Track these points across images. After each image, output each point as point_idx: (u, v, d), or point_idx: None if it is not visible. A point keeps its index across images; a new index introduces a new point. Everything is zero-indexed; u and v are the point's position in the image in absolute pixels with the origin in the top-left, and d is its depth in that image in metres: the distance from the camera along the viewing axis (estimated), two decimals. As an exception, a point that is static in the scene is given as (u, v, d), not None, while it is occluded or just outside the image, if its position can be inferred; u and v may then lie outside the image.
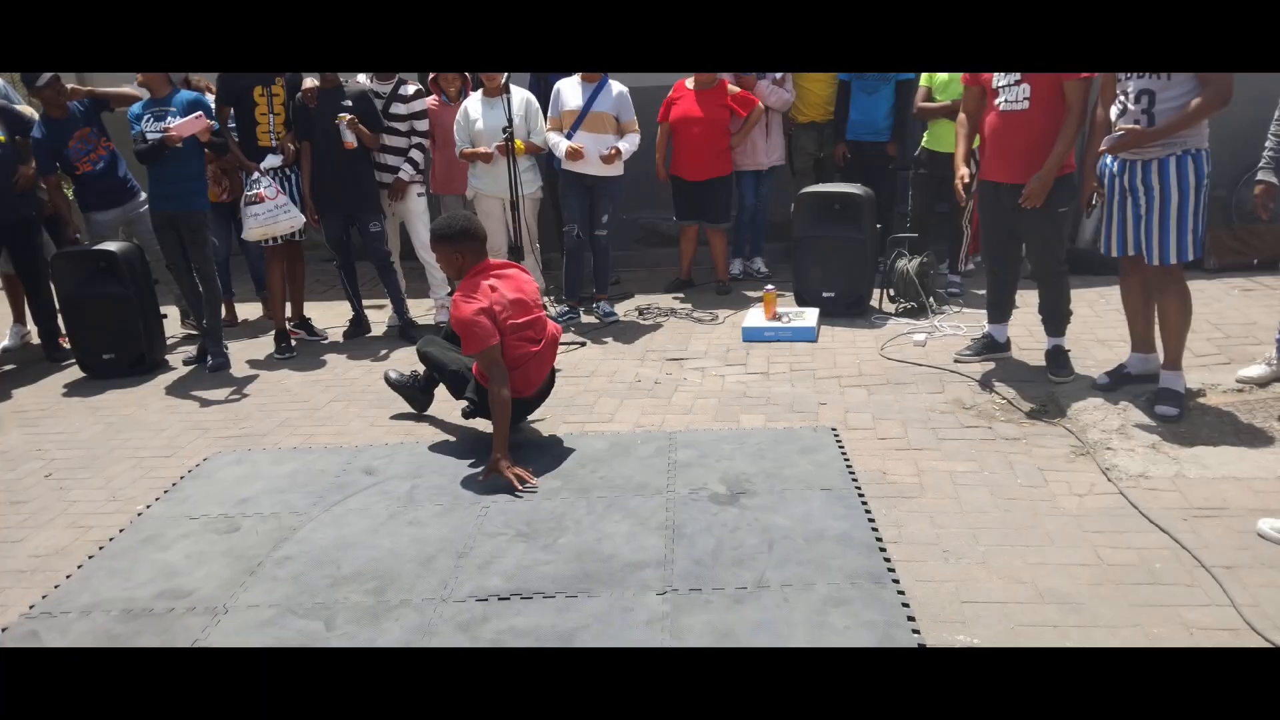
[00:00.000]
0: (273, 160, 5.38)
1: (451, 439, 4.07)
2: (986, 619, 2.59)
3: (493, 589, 2.85)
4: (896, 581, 2.76)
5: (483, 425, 4.00)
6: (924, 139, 5.83)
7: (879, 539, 3.00)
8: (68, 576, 3.10)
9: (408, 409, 4.37)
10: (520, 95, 5.50)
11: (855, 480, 3.40)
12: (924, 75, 5.69)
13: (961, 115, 4.50)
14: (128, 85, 5.68)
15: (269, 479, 3.72)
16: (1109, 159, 3.85)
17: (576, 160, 5.43)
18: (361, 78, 5.51)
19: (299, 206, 5.38)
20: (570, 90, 5.53)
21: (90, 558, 3.21)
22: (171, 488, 3.73)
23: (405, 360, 5.02)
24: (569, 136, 5.49)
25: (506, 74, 5.37)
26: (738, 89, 5.98)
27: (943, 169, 5.42)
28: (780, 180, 6.44)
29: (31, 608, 2.92)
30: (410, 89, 5.49)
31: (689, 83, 5.96)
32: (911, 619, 2.58)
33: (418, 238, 5.57)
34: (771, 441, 3.76)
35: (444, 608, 2.77)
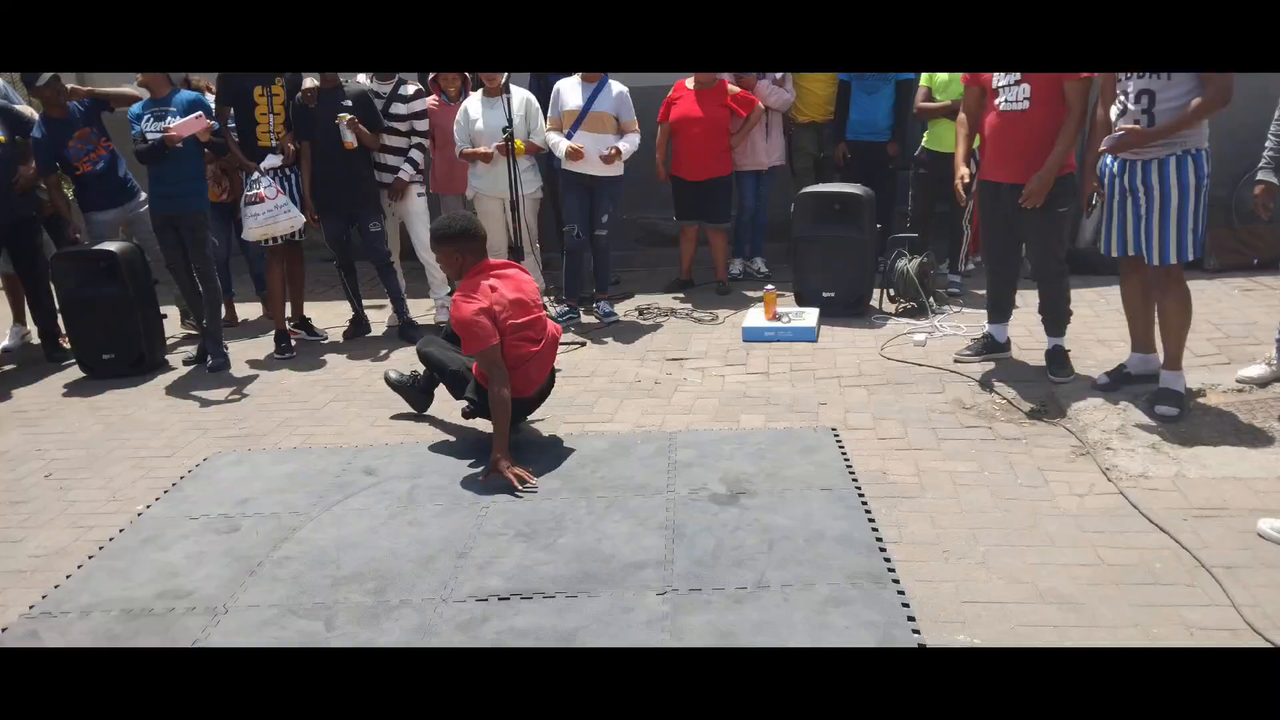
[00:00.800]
0: (273, 160, 5.38)
1: (451, 439, 4.07)
2: (986, 619, 2.59)
3: (493, 589, 2.85)
4: (896, 581, 2.76)
5: (483, 425, 3.99)
6: (924, 139, 5.83)
7: (879, 539, 3.00)
8: (68, 576, 3.10)
9: (408, 409, 4.37)
10: (520, 95, 5.50)
11: (855, 480, 3.40)
12: (924, 75, 5.69)
13: (961, 115, 4.50)
14: (128, 85, 5.68)
15: (269, 479, 3.72)
16: (1109, 159, 3.85)
17: (576, 160, 5.43)
18: (361, 78, 5.51)
19: (299, 206, 5.39)
20: (570, 90, 5.53)
21: (90, 558, 3.21)
22: (171, 488, 3.73)
23: (405, 360, 5.02)
24: (569, 136, 5.49)
25: (506, 74, 5.37)
26: (738, 89, 5.98)
27: (943, 169, 5.41)
28: (780, 180, 6.44)
29: (31, 608, 2.92)
30: (410, 89, 5.49)
31: (689, 83, 5.96)
32: (911, 619, 2.58)
33: (418, 238, 5.57)
34: (771, 442, 3.76)
35: (444, 608, 2.77)
